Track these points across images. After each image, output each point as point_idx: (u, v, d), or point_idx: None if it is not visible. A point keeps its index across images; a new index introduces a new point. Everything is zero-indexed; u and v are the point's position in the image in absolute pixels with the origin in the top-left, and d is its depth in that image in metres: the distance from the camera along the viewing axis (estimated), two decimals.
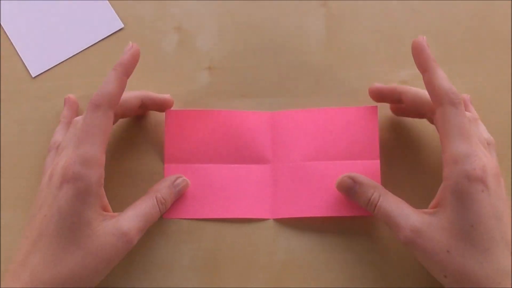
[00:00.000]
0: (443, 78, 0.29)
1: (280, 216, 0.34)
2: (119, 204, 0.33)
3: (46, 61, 0.39)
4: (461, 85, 0.38)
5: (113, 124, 0.32)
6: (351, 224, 0.35)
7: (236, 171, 0.35)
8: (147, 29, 0.40)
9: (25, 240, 0.29)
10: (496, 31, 0.40)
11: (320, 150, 0.35)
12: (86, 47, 0.40)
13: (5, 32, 0.40)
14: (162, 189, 0.33)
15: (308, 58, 0.39)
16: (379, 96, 0.35)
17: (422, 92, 0.32)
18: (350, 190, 0.32)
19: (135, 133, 0.37)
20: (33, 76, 0.39)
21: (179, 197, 0.35)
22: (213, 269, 0.34)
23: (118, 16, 0.40)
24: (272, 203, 0.35)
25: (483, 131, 0.33)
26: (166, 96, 0.36)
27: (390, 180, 0.35)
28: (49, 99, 0.38)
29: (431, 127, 0.36)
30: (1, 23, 0.40)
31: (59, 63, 0.39)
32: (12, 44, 0.40)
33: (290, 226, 0.35)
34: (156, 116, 0.38)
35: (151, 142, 0.37)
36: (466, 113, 0.29)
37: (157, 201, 0.32)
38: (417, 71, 0.37)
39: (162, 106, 0.36)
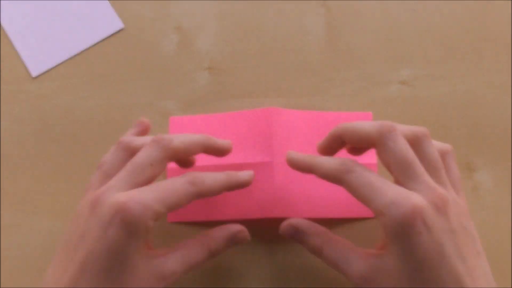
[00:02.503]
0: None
1: (280, 215, 0.34)
2: None
3: (46, 61, 0.39)
4: (461, 85, 0.38)
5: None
6: (351, 224, 0.35)
7: (238, 169, 0.35)
8: (147, 29, 0.40)
9: (61, 270, 0.27)
10: (496, 31, 0.40)
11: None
12: (86, 47, 0.40)
13: (5, 32, 0.40)
14: (219, 240, 0.30)
15: (308, 58, 0.39)
16: (328, 150, 0.32)
17: (359, 124, 0.29)
18: (293, 238, 0.31)
19: None
20: (33, 76, 0.39)
21: None
22: (213, 269, 0.34)
23: (118, 16, 0.40)
24: (272, 200, 0.35)
25: (429, 151, 0.29)
26: (227, 142, 0.33)
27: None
28: (49, 99, 0.38)
29: (438, 119, 0.36)
30: (1, 23, 0.40)
31: (59, 63, 0.39)
32: (12, 44, 0.40)
33: None
34: (164, 118, 0.38)
35: None
36: (400, 141, 0.27)
37: (209, 253, 0.29)
38: (417, 71, 0.37)
39: (222, 152, 0.33)
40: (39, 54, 0.40)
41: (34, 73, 0.39)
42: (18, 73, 0.39)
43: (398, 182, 0.27)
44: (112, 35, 0.40)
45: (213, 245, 0.30)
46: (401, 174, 0.27)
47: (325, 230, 0.31)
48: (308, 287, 0.34)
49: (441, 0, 0.40)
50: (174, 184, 0.28)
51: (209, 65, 0.39)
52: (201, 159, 0.36)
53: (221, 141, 0.32)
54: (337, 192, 0.34)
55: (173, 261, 0.28)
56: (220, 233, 0.30)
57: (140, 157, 0.28)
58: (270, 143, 0.35)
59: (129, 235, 0.25)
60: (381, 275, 0.26)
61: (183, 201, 0.28)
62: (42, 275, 0.34)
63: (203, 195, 0.29)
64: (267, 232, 0.35)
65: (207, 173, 0.29)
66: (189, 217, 0.35)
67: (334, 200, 0.34)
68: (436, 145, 0.29)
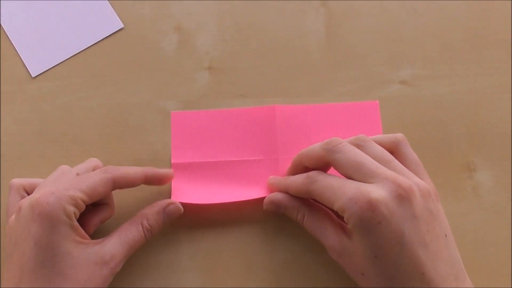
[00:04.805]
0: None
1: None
2: (130, 203, 0.34)
3: (46, 61, 0.39)
4: (461, 85, 0.38)
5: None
6: None
7: (243, 165, 0.36)
8: (147, 29, 0.40)
9: (7, 281, 0.28)
10: (496, 31, 0.40)
11: None
12: (86, 47, 0.40)
13: (5, 32, 0.40)
14: (150, 215, 0.32)
15: (308, 58, 0.39)
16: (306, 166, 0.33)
17: (310, 148, 0.31)
18: (277, 212, 0.33)
19: (143, 136, 0.37)
20: (33, 76, 0.39)
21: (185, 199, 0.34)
22: (213, 269, 0.34)
23: (118, 16, 0.40)
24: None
25: (374, 149, 0.30)
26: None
27: None
28: (49, 99, 0.38)
29: (438, 119, 0.36)
30: (1, 23, 0.40)
31: (59, 63, 0.39)
32: (12, 44, 0.40)
33: (290, 226, 0.35)
34: (164, 118, 0.38)
35: (158, 143, 0.37)
36: (348, 149, 0.29)
37: (142, 228, 0.31)
38: (417, 71, 0.37)
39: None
40: (39, 54, 0.40)
41: (34, 73, 0.39)
42: (18, 73, 0.39)
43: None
44: (112, 35, 0.40)
45: (146, 222, 0.31)
46: (359, 175, 0.28)
47: (304, 201, 0.32)
48: (308, 287, 0.34)
49: (441, 0, 0.40)
50: (89, 174, 0.30)
51: (209, 65, 0.39)
52: (208, 156, 0.36)
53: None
54: None
55: (111, 244, 0.30)
56: (151, 210, 0.32)
57: (66, 167, 0.32)
58: (275, 140, 0.36)
59: (51, 224, 0.27)
60: (350, 252, 0.28)
61: (99, 185, 0.29)
62: None
63: (119, 181, 0.30)
64: (267, 231, 0.35)
65: (126, 166, 0.32)
66: (192, 199, 0.35)
67: None
68: (385, 140, 0.31)
